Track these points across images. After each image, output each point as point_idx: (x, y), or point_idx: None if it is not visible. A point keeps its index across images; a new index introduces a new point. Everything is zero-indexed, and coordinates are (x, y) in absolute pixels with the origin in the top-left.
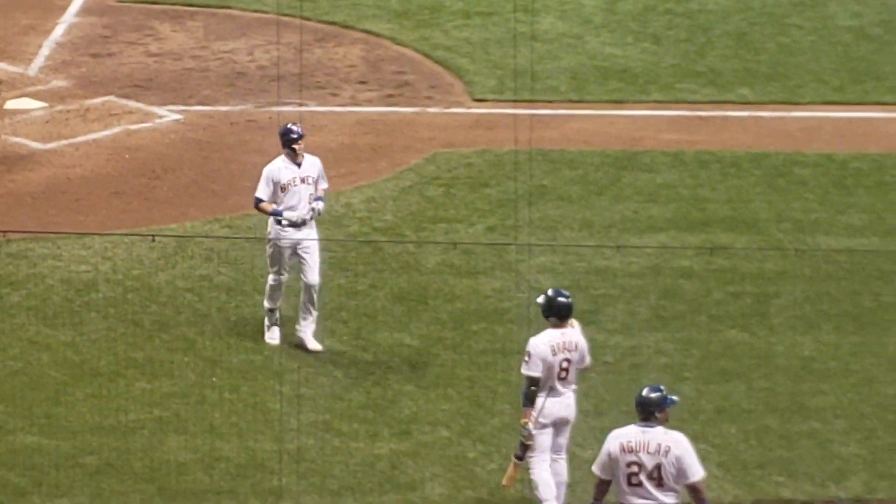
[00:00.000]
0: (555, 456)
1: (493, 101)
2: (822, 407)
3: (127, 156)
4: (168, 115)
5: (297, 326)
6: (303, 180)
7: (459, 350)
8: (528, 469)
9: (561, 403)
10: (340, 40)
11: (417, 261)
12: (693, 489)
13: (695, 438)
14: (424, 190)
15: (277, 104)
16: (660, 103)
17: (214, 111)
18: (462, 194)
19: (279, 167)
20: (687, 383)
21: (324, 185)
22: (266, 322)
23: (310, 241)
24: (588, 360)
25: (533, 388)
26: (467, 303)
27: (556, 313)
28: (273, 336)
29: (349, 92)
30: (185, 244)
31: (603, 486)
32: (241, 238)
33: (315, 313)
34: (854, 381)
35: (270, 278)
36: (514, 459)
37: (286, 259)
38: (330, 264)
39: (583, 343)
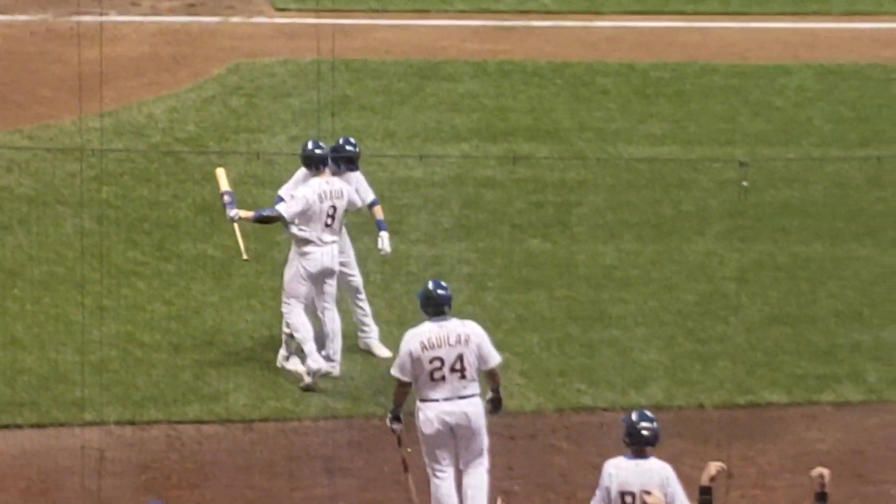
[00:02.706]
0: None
1: (295, 10)
2: (622, 315)
3: None
4: None
5: (360, 335)
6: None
7: (262, 261)
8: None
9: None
10: None
11: None
12: (492, 374)
13: (498, 348)
14: (227, 100)
15: (77, 13)
16: (463, 13)
17: (14, 20)
18: (265, 104)
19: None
20: (489, 292)
21: (370, 196)
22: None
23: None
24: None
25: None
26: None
27: None
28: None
29: (150, 1)
30: None
31: (403, 388)
32: (41, 149)
33: (370, 315)
34: (655, 288)
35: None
36: None
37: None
38: (132, 175)
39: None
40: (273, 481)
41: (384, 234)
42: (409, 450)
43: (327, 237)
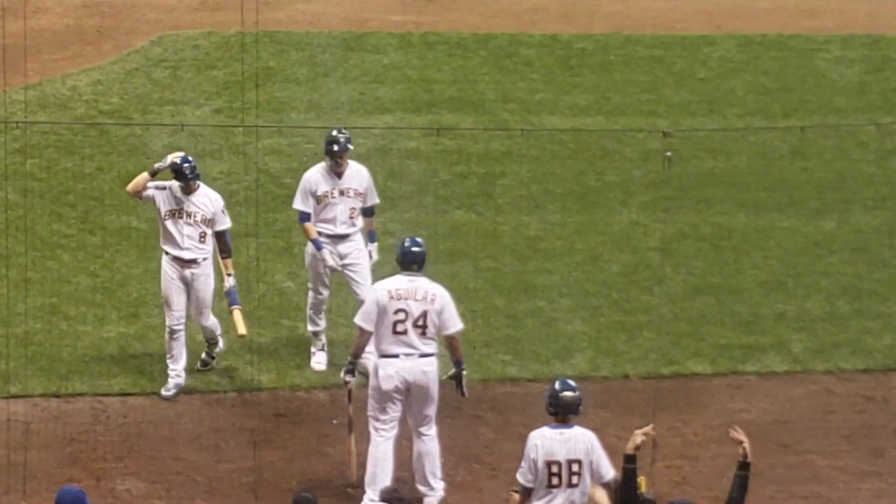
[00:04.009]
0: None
1: None
2: (547, 286)
3: None
4: None
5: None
6: (342, 192)
7: None
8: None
9: None
10: None
11: (145, 143)
12: (452, 343)
13: None
14: (151, 72)
15: None
16: None
17: None
18: (189, 77)
19: (315, 177)
20: None
21: (374, 199)
22: (311, 348)
23: (357, 256)
24: None
25: None
26: None
27: None
28: (319, 361)
29: None
30: None
31: (365, 338)
32: None
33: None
34: (579, 259)
35: (310, 296)
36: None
37: (325, 274)
38: (57, 147)
39: None
40: (199, 453)
41: None
42: (334, 421)
43: None
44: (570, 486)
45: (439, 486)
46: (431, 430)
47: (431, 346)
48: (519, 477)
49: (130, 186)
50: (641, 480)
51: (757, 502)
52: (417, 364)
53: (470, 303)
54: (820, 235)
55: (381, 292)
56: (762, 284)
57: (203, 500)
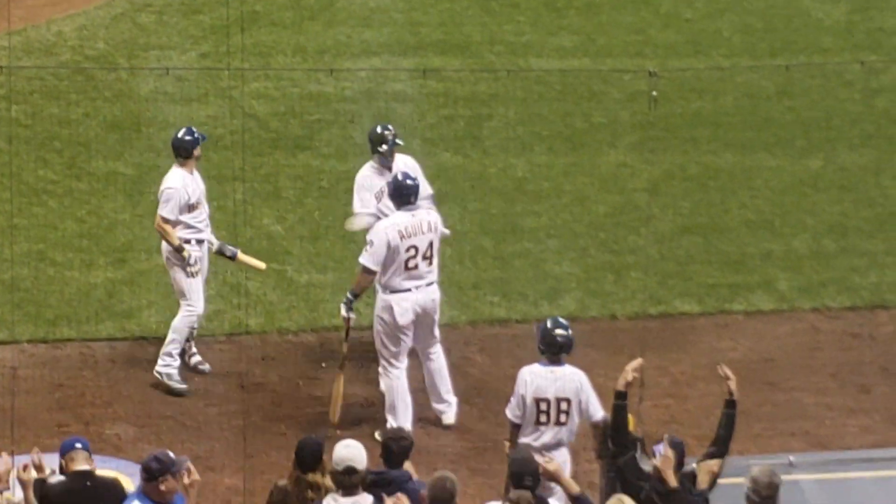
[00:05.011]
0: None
1: None
2: (535, 227)
3: None
4: None
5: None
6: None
7: None
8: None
9: None
10: None
11: (131, 88)
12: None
13: None
14: (136, 17)
15: None
16: None
17: None
18: (174, 21)
19: (368, 174)
20: None
21: (427, 189)
22: None
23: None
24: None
25: None
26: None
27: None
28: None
29: None
30: None
31: (370, 278)
32: None
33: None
34: (567, 200)
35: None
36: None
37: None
38: (42, 93)
39: None
40: (187, 398)
41: None
42: (323, 364)
43: None
44: (559, 423)
45: (454, 399)
46: (438, 348)
47: (436, 273)
48: (508, 412)
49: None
50: (630, 420)
51: (744, 440)
52: (427, 293)
53: (458, 245)
54: (806, 174)
55: (392, 233)
56: (749, 224)
57: (192, 443)
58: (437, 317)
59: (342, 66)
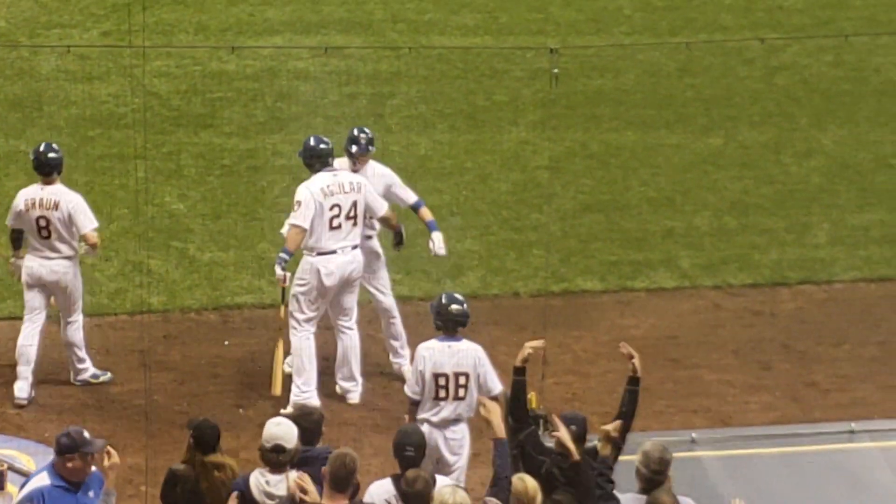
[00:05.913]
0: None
1: None
2: (438, 205)
3: None
4: None
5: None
6: None
7: (77, 156)
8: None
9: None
10: None
11: (32, 67)
12: (385, 220)
13: None
14: None
15: None
16: None
17: None
18: None
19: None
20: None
21: (412, 197)
22: None
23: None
24: None
25: None
26: (83, 108)
27: None
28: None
29: None
30: None
31: (301, 235)
32: None
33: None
34: (469, 178)
35: None
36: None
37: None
38: None
39: None
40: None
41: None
42: (226, 342)
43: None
44: (457, 398)
45: (360, 379)
46: (353, 322)
47: (358, 236)
48: (406, 389)
49: None
50: (532, 396)
51: (646, 417)
52: (352, 256)
53: None
54: (707, 152)
55: (315, 191)
56: (650, 201)
57: (95, 422)
58: (357, 285)
59: (244, 44)
